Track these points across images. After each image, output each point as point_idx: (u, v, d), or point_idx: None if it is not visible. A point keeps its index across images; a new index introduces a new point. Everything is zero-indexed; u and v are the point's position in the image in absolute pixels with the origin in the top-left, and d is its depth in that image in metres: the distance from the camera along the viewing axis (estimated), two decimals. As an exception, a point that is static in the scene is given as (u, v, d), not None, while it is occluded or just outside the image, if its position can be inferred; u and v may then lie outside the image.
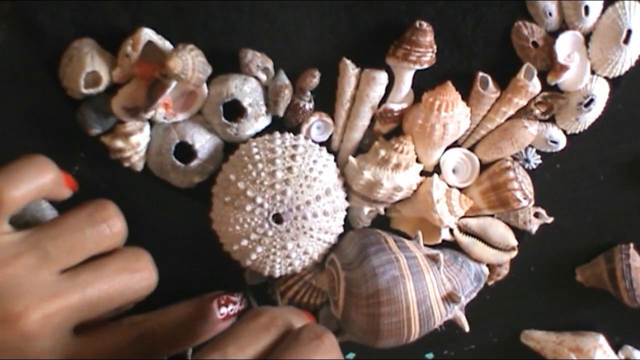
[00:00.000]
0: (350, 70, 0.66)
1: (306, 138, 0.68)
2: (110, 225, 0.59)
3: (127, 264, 0.60)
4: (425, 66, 0.65)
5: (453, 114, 0.65)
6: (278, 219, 0.64)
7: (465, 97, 0.67)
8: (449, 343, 0.77)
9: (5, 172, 0.55)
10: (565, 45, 0.65)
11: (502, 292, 0.75)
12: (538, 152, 0.70)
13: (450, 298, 0.66)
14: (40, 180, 0.57)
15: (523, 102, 0.67)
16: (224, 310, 0.64)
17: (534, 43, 0.65)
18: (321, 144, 0.69)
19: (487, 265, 0.73)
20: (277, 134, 0.67)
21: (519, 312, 0.77)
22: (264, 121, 0.67)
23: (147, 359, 0.56)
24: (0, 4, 0.64)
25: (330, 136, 0.69)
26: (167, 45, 0.64)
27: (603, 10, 0.65)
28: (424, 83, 0.66)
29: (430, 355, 0.79)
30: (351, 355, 0.78)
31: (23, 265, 0.53)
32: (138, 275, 0.61)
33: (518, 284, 0.76)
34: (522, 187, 0.68)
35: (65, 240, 0.56)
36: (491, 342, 0.79)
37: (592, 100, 0.67)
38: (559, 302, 0.77)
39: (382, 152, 0.66)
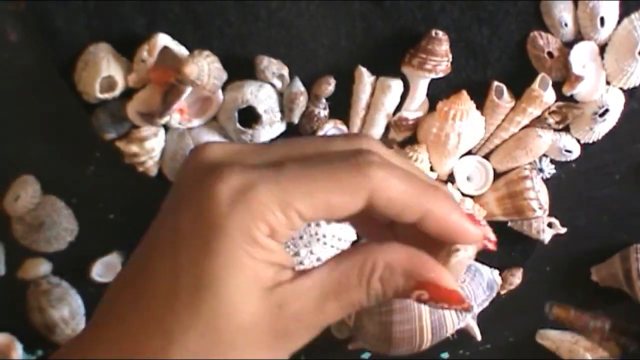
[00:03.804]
0: (366, 78, 0.66)
1: (320, 145, 0.68)
2: None
3: None
4: (441, 75, 0.65)
5: (468, 123, 0.65)
6: (292, 226, 0.64)
7: (480, 107, 0.67)
8: (464, 343, 0.76)
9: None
10: (581, 56, 0.65)
11: (518, 291, 0.75)
12: (552, 161, 0.70)
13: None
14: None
15: (537, 112, 0.67)
16: None
17: (549, 53, 0.65)
18: (335, 151, 0.69)
19: (500, 274, 0.73)
20: (292, 141, 0.67)
21: (534, 311, 0.77)
22: (279, 128, 0.67)
23: None
24: (17, 3, 0.65)
25: (345, 143, 0.69)
26: (183, 51, 0.64)
27: (619, 22, 0.65)
28: (439, 92, 0.66)
29: (445, 355, 0.79)
30: (366, 355, 0.78)
31: None
32: None
33: (534, 284, 0.75)
34: (539, 197, 0.68)
35: None
36: (507, 341, 0.78)
37: (606, 111, 0.67)
38: (574, 301, 0.77)
39: (397, 160, 0.66)
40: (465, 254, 0.34)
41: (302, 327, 0.32)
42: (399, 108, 0.67)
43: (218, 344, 0.31)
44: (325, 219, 0.33)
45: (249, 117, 0.66)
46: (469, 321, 0.68)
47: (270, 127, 0.67)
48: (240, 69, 0.66)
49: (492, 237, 0.35)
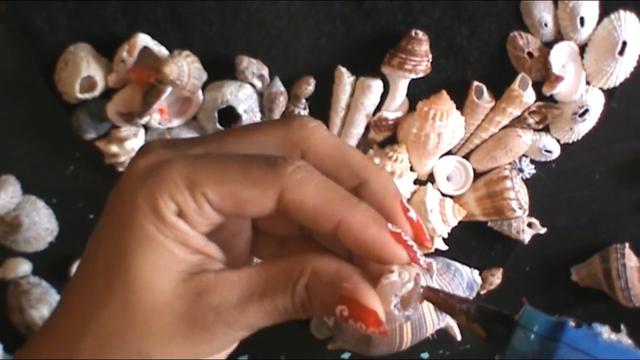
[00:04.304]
0: (346, 78, 0.66)
1: (301, 145, 0.68)
2: None
3: None
4: (421, 75, 0.65)
5: (447, 123, 0.65)
6: (271, 226, 0.64)
7: (460, 106, 0.67)
8: (444, 342, 0.76)
9: None
10: (560, 56, 0.65)
11: (497, 291, 0.75)
12: (532, 161, 0.70)
13: (442, 307, 0.66)
14: None
15: (517, 112, 0.67)
16: None
17: (529, 53, 0.65)
18: (316, 151, 0.69)
19: (480, 274, 0.73)
20: (272, 141, 0.67)
21: (514, 311, 0.77)
22: (259, 128, 0.67)
23: None
24: None
25: (325, 143, 0.69)
26: (163, 51, 0.64)
27: (598, 22, 0.65)
28: (419, 92, 0.66)
29: (425, 355, 0.79)
30: (346, 355, 0.78)
31: None
32: None
33: (514, 284, 0.75)
34: (518, 197, 0.68)
35: None
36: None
37: (586, 111, 0.67)
38: (554, 301, 0.77)
39: (377, 160, 0.66)
40: (398, 278, 0.31)
41: (222, 322, 0.31)
42: (378, 108, 0.67)
43: (132, 324, 0.31)
44: (236, 214, 0.32)
45: (229, 117, 0.66)
46: (449, 321, 0.68)
47: (251, 127, 0.67)
48: (221, 69, 0.66)
49: (422, 262, 0.33)
